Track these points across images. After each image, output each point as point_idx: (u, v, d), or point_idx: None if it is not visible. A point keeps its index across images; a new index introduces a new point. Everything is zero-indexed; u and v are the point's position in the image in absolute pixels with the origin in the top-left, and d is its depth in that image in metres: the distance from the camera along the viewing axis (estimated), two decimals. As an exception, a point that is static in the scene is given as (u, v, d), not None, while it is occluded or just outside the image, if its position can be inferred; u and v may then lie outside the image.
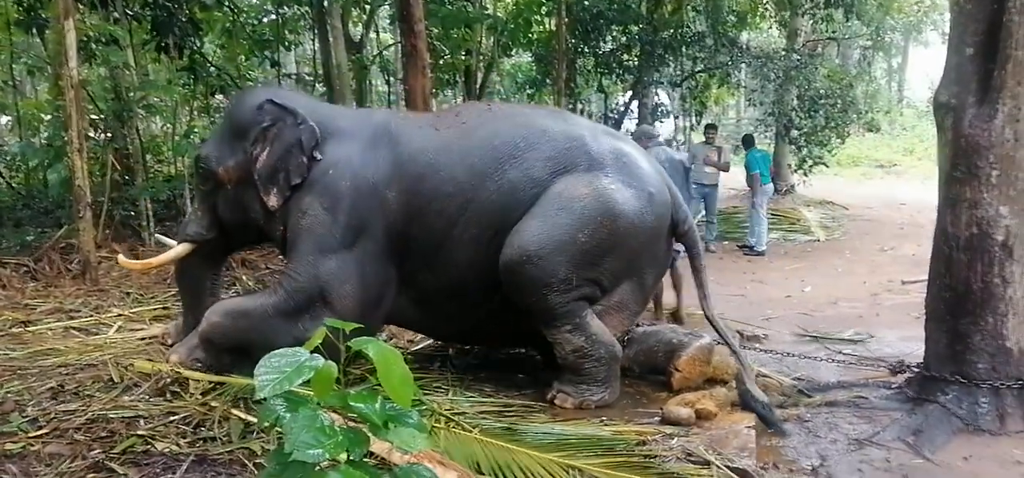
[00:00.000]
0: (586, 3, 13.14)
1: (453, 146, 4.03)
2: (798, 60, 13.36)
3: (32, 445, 3.11)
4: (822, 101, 13.21)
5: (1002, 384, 3.82)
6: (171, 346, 4.29)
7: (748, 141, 11.07)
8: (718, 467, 3.23)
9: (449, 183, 3.96)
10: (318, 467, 1.67)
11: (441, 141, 4.06)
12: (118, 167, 8.24)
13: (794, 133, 13.44)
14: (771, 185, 10.73)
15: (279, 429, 1.75)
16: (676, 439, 3.54)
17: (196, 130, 9.58)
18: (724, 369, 4.39)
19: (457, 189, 3.96)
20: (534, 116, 4.30)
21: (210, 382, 3.81)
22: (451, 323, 4.38)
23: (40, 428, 3.28)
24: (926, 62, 34.55)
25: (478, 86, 14.48)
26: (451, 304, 4.18)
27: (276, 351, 1.75)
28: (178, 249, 4.35)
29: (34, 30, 8.94)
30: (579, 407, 3.99)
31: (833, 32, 15.14)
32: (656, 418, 3.86)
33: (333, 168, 4.01)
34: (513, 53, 15.68)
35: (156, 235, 5.46)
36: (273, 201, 4.04)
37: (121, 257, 4.67)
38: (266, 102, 4.10)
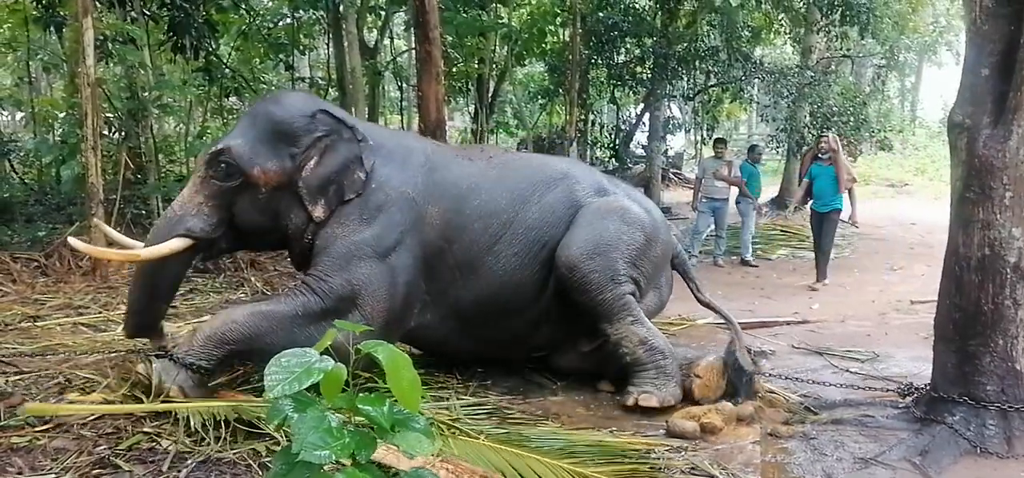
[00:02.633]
0: (601, 15, 13.17)
1: (491, 174, 4.40)
2: (812, 77, 13.32)
3: (38, 439, 3.12)
4: (835, 118, 13.14)
5: (1010, 407, 3.78)
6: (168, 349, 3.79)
7: (752, 151, 10.84)
8: (723, 482, 3.23)
9: (492, 203, 4.28)
10: (325, 468, 1.68)
11: (478, 169, 4.42)
12: (131, 165, 8.29)
13: (805, 150, 13.39)
14: (748, 203, 10.15)
15: (286, 429, 1.75)
16: (682, 452, 3.55)
17: (209, 131, 9.64)
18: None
19: (500, 209, 4.28)
20: (552, 160, 4.90)
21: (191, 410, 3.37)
22: (476, 338, 4.45)
23: (46, 423, 3.29)
24: (939, 83, 34.52)
25: (490, 95, 14.50)
26: (482, 317, 4.32)
27: (286, 351, 1.76)
28: (173, 243, 3.81)
29: (51, 28, 9.01)
30: (663, 404, 4.12)
31: (847, 50, 15.10)
32: (661, 431, 3.87)
33: (373, 180, 4.09)
34: (526, 63, 15.72)
35: (106, 228, 4.61)
36: (320, 212, 3.99)
37: (76, 243, 4.09)
38: (319, 112, 4.10)
